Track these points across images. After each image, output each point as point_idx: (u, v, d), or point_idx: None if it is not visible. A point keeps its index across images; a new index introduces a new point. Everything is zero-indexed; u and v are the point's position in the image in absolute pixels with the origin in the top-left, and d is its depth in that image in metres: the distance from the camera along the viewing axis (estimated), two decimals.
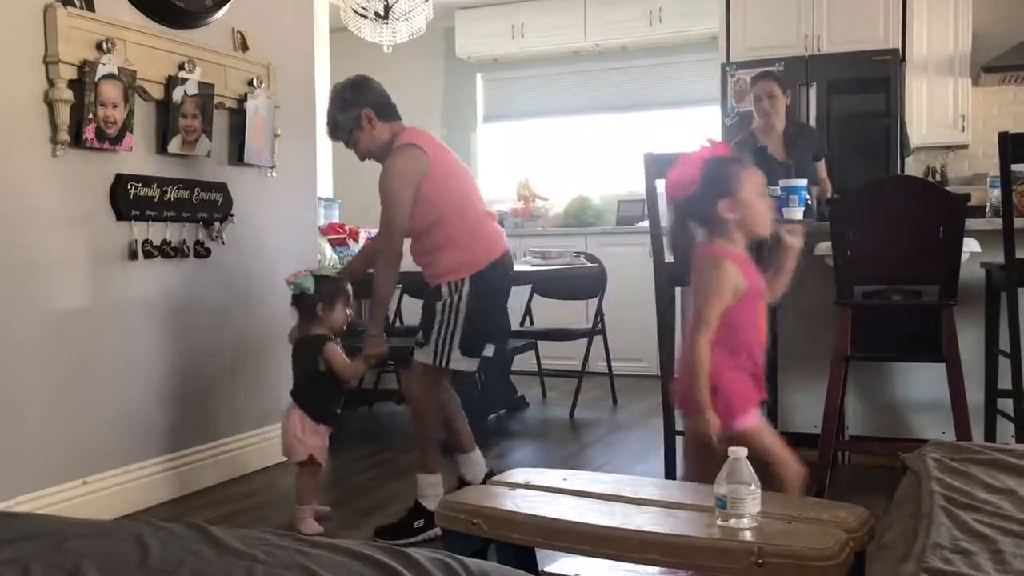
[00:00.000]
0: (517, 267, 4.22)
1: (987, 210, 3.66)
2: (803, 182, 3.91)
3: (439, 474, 3.04)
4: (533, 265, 4.83)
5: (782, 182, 3.82)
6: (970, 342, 3.36)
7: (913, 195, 3.08)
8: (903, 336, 3.21)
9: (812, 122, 5.42)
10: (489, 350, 3.10)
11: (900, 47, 5.42)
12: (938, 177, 6.05)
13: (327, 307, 3.07)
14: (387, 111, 3.11)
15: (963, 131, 5.86)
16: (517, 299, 4.09)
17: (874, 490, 3.14)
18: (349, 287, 3.19)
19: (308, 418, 3.04)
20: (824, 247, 3.21)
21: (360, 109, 3.06)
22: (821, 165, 4.42)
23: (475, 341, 2.98)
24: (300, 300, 3.08)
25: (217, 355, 3.62)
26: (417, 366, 3.02)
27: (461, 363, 2.99)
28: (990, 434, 3.41)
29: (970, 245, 3.10)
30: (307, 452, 3.03)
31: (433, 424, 3.07)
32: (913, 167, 5.95)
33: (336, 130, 3.13)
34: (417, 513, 2.94)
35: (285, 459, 3.16)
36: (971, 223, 3.12)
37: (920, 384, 3.60)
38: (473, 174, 3.24)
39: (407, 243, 3.08)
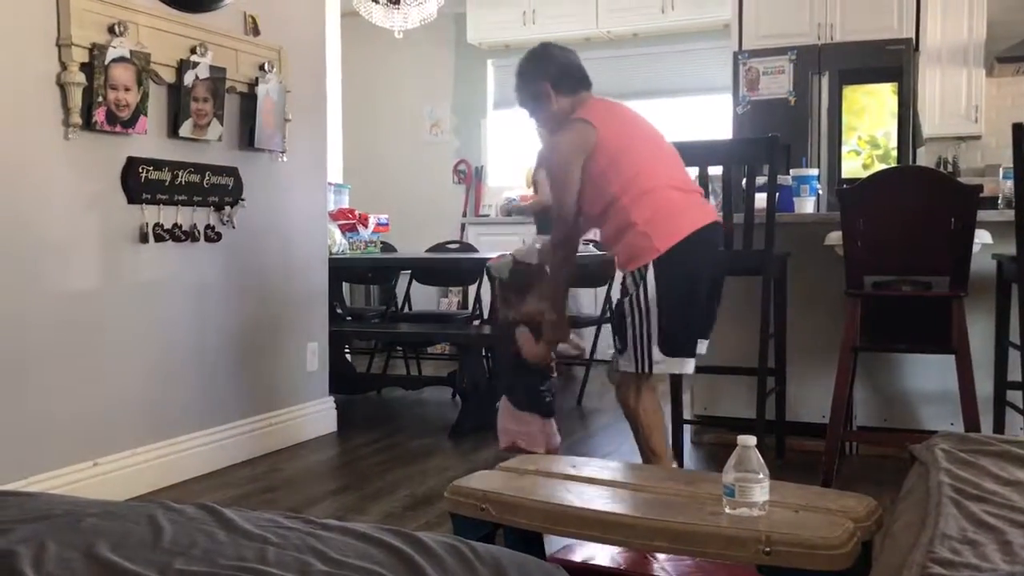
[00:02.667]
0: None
1: (999, 201, 3.64)
2: (815, 171, 3.91)
3: None
4: None
5: (793, 171, 3.82)
6: (980, 334, 3.35)
7: (925, 186, 3.07)
8: (913, 327, 3.20)
9: (824, 112, 5.41)
10: (702, 346, 2.78)
11: (914, 36, 5.38)
12: (950, 168, 6.02)
13: (520, 294, 2.94)
14: (569, 83, 2.85)
15: (976, 122, 5.83)
16: None
17: (882, 480, 3.14)
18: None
19: (511, 405, 2.97)
20: (834, 237, 3.20)
21: (538, 83, 2.85)
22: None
23: (677, 337, 2.66)
24: (502, 285, 2.99)
25: (226, 339, 3.63)
26: (624, 375, 2.73)
27: (669, 366, 2.68)
28: (999, 426, 3.40)
29: (982, 236, 3.09)
30: (509, 440, 2.96)
31: (658, 437, 2.75)
32: (925, 158, 5.92)
33: (520, 104, 2.95)
34: None
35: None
36: (983, 214, 3.11)
37: (929, 375, 3.60)
38: (671, 145, 2.91)
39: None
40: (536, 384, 2.96)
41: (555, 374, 3.00)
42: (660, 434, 2.79)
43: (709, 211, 2.79)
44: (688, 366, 2.74)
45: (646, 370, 2.65)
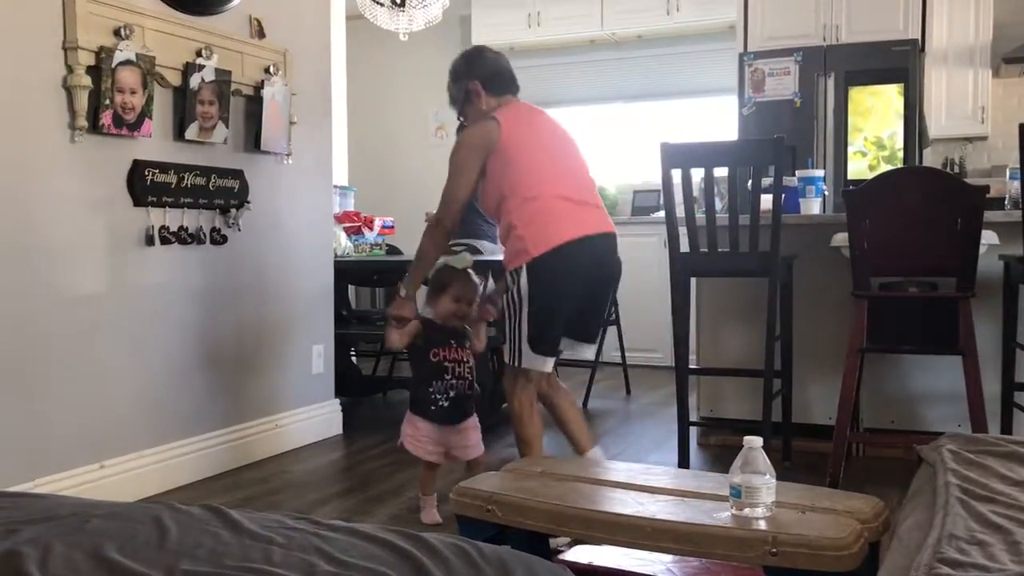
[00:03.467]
0: None
1: (1006, 202, 3.63)
2: (821, 172, 3.90)
3: None
4: None
5: (799, 172, 3.81)
6: (987, 335, 3.35)
7: (931, 187, 3.06)
8: (919, 328, 3.20)
9: (830, 113, 5.40)
10: (588, 350, 2.90)
11: (920, 37, 5.38)
12: (956, 169, 6.01)
13: (433, 294, 2.91)
14: (499, 84, 2.96)
15: (983, 123, 5.82)
16: None
17: (889, 482, 3.13)
18: (475, 281, 2.95)
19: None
20: (841, 238, 3.20)
21: (468, 81, 2.95)
22: None
23: (538, 338, 2.75)
24: (428, 282, 2.97)
25: (232, 342, 3.64)
26: (508, 365, 2.84)
27: (535, 362, 2.76)
28: (1006, 427, 3.39)
29: (988, 237, 3.08)
30: (402, 439, 2.96)
31: (529, 427, 2.83)
32: (931, 158, 5.91)
33: (451, 102, 3.06)
34: None
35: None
36: (989, 215, 3.11)
37: (936, 376, 3.59)
38: (578, 157, 2.95)
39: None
40: (424, 384, 2.88)
41: (458, 379, 2.89)
42: (535, 430, 2.83)
43: (595, 223, 2.82)
44: (548, 364, 2.81)
45: (517, 363, 2.77)
